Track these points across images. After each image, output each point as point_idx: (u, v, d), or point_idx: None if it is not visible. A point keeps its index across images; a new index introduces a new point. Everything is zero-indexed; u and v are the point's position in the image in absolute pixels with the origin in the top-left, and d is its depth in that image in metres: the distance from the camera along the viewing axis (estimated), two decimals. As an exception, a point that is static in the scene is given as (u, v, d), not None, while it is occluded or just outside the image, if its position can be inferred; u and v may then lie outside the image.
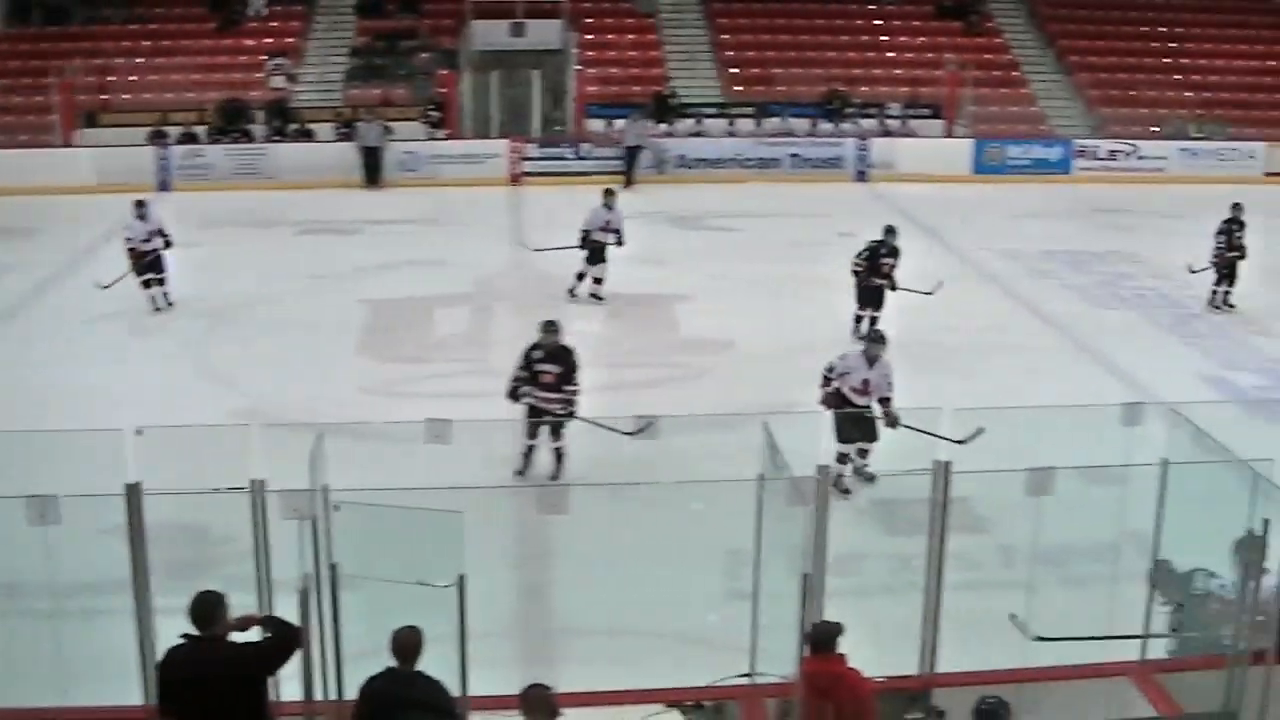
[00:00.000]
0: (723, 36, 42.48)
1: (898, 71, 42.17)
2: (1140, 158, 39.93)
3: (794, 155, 38.24)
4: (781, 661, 9.72)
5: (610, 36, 42.36)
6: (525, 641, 13.10)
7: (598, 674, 11.54)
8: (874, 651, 10.26)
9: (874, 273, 22.61)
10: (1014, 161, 39.35)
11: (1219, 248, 24.98)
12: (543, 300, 25.13)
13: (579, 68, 39.91)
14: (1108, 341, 23.22)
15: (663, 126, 38.30)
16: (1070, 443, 13.79)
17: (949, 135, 40.14)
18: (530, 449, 16.67)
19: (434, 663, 8.92)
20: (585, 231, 25.20)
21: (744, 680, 10.25)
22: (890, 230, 22.94)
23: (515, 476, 16.31)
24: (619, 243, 25.28)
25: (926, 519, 10.55)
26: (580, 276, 25.46)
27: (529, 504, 10.91)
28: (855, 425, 16.35)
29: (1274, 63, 44.37)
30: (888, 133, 39.39)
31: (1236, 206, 25.08)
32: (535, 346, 16.76)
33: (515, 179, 37.10)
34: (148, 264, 24.13)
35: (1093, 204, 35.62)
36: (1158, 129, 41.12)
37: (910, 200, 34.79)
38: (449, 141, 37.97)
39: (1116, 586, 12.79)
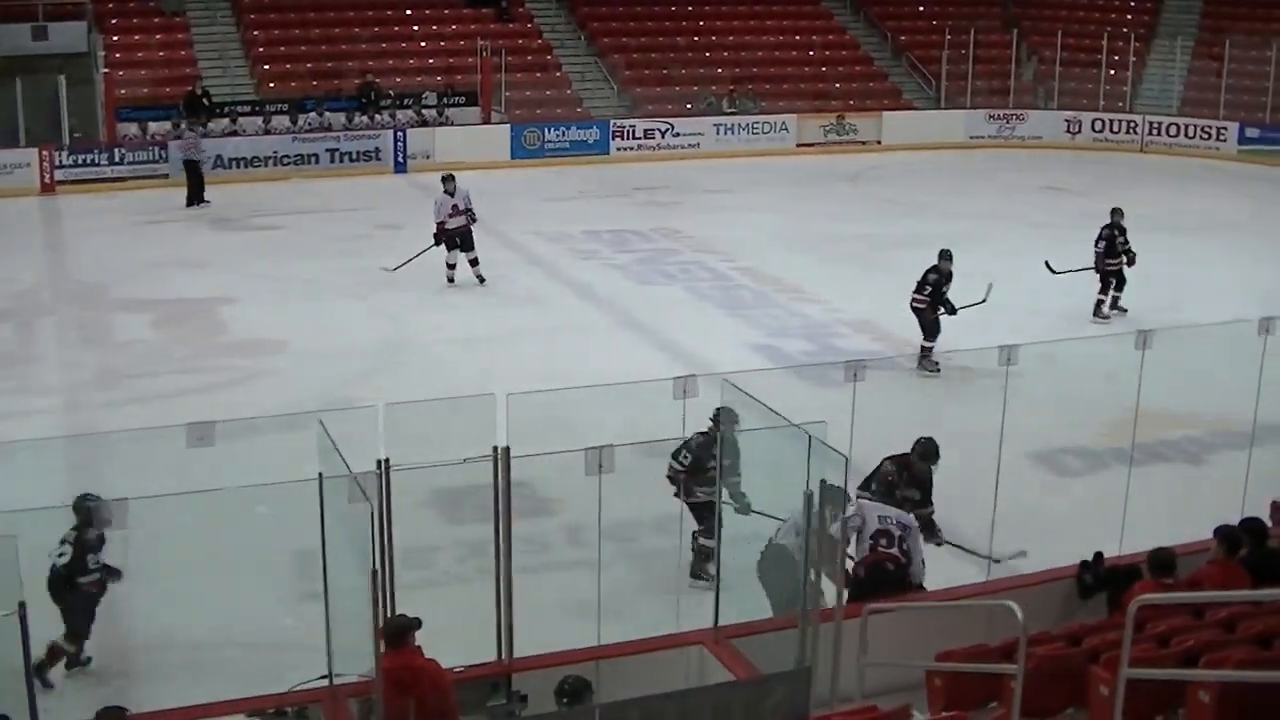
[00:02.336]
0: (253, 33, 41.80)
1: (431, 61, 42.26)
2: (676, 135, 41.02)
3: (332, 150, 37.86)
4: (360, 660, 9.67)
5: (137, 37, 41.22)
6: (97, 663, 12.72)
7: (176, 690, 11.30)
8: (451, 642, 10.30)
9: (939, 305, 21.14)
10: (552, 145, 39.86)
11: (1098, 254, 24.08)
12: (85, 313, 24.48)
13: (106, 70, 38.78)
14: (657, 317, 23.75)
15: (198, 127, 37.50)
16: (626, 418, 14.12)
17: (486, 122, 40.36)
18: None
19: (1, 697, 8.61)
20: (439, 224, 25.67)
21: (324, 683, 10.15)
22: (945, 255, 21.20)
23: None
24: (472, 219, 25.76)
25: (490, 505, 10.60)
26: (451, 266, 25.81)
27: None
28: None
29: (799, 37, 46.13)
30: (424, 122, 39.37)
31: (1116, 212, 24.38)
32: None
33: (48, 188, 35.86)
34: None
35: (633, 183, 36.32)
36: (691, 106, 42.22)
37: (452, 189, 34.94)
38: (-27, 153, 36.36)
39: (685, 556, 13.11)
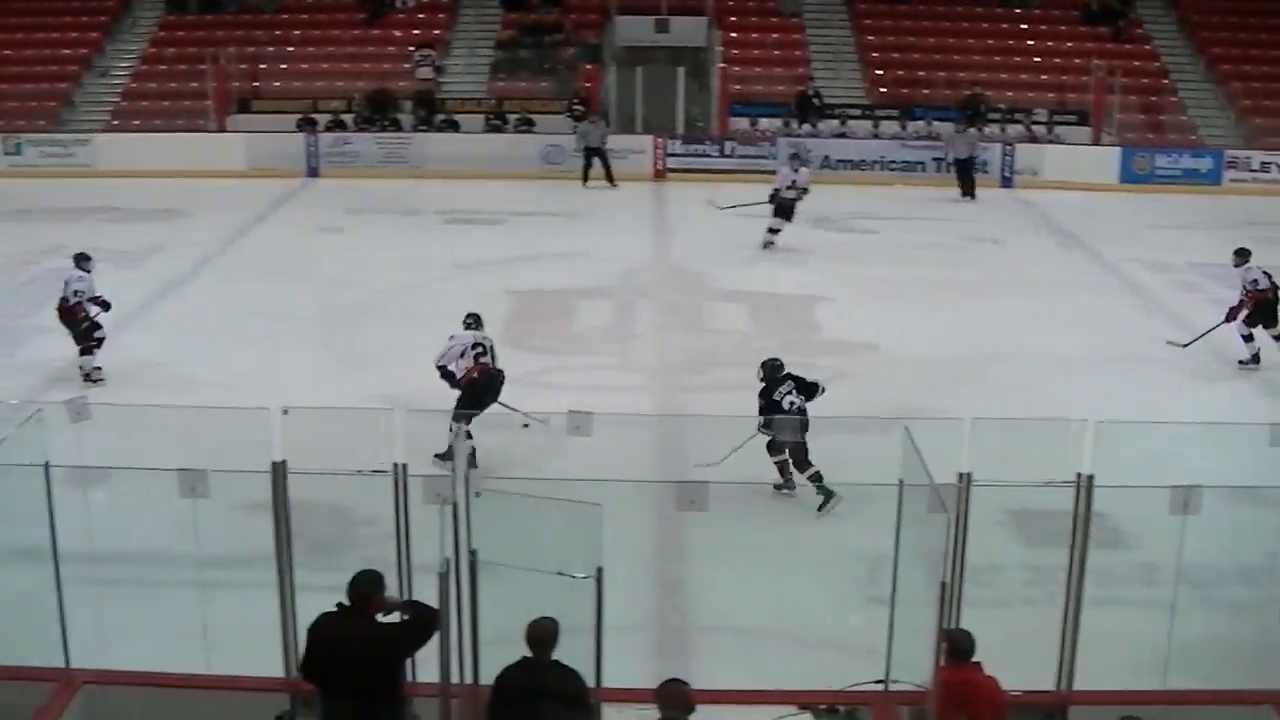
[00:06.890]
0: (867, 38, 42.24)
1: (1043, 77, 41.74)
2: (1294, 169, 39.14)
3: (939, 159, 37.64)
4: (916, 669, 9.65)
5: (754, 35, 42.26)
6: (660, 636, 13.05)
7: (732, 672, 11.52)
8: (1009, 664, 10.16)
9: None
10: (1162, 171, 38.61)
11: None
12: (684, 296, 25.20)
13: (723, 65, 39.84)
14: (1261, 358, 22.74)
15: (806, 126, 38.13)
16: (1215, 460, 13.62)
17: (1096, 143, 39.59)
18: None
19: (568, 654, 8.94)
20: (774, 190, 29.07)
21: (878, 686, 10.17)
22: None
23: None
24: (803, 194, 28.98)
25: (1065, 532, 10.39)
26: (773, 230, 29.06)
27: (668, 499, 10.87)
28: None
29: None
30: (1033, 138, 38.91)
31: None
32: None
33: (659, 174, 37.17)
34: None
35: (1244, 217, 34.81)
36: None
37: (1055, 208, 34.54)
38: (593, 137, 37.97)
39: (1264, 613, 12.58)
